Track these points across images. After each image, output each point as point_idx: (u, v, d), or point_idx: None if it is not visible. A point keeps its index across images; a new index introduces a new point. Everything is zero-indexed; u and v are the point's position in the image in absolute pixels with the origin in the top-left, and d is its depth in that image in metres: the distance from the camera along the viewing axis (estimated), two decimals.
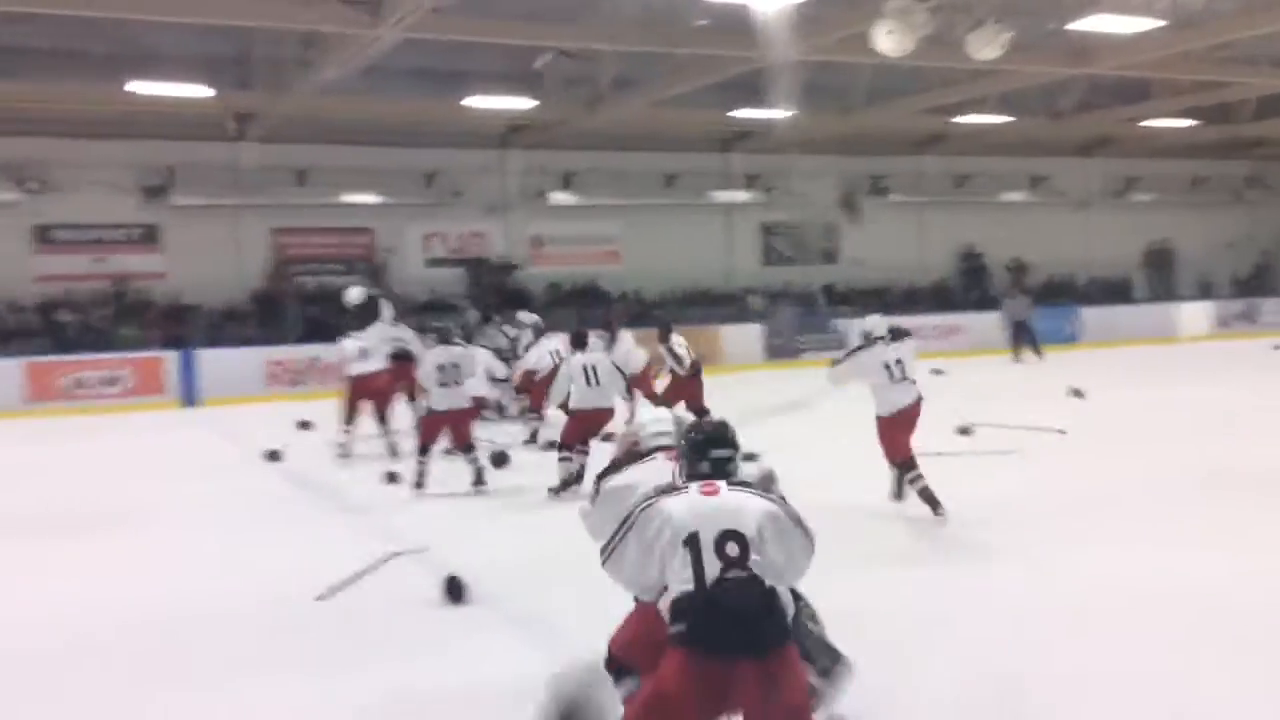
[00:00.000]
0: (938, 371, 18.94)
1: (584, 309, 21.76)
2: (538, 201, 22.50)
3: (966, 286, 26.30)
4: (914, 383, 7.79)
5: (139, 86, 16.22)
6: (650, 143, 22.79)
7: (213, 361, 17.67)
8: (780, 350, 22.16)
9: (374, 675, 4.84)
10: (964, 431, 11.05)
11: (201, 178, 19.82)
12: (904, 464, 7.68)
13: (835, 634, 4.13)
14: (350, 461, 10.79)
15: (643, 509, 3.43)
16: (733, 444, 3.61)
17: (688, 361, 12.20)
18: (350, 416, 11.40)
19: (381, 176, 20.95)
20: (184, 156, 19.71)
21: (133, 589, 6.46)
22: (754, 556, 3.27)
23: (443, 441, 9.42)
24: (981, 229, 26.66)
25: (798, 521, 3.42)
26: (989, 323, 21.86)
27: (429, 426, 9.34)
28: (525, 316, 14.96)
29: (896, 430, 7.69)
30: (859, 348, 8.01)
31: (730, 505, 3.36)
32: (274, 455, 11.32)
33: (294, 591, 6.19)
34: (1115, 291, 27.31)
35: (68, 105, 17.84)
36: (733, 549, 3.26)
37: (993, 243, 26.48)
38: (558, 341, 12.16)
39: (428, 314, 16.49)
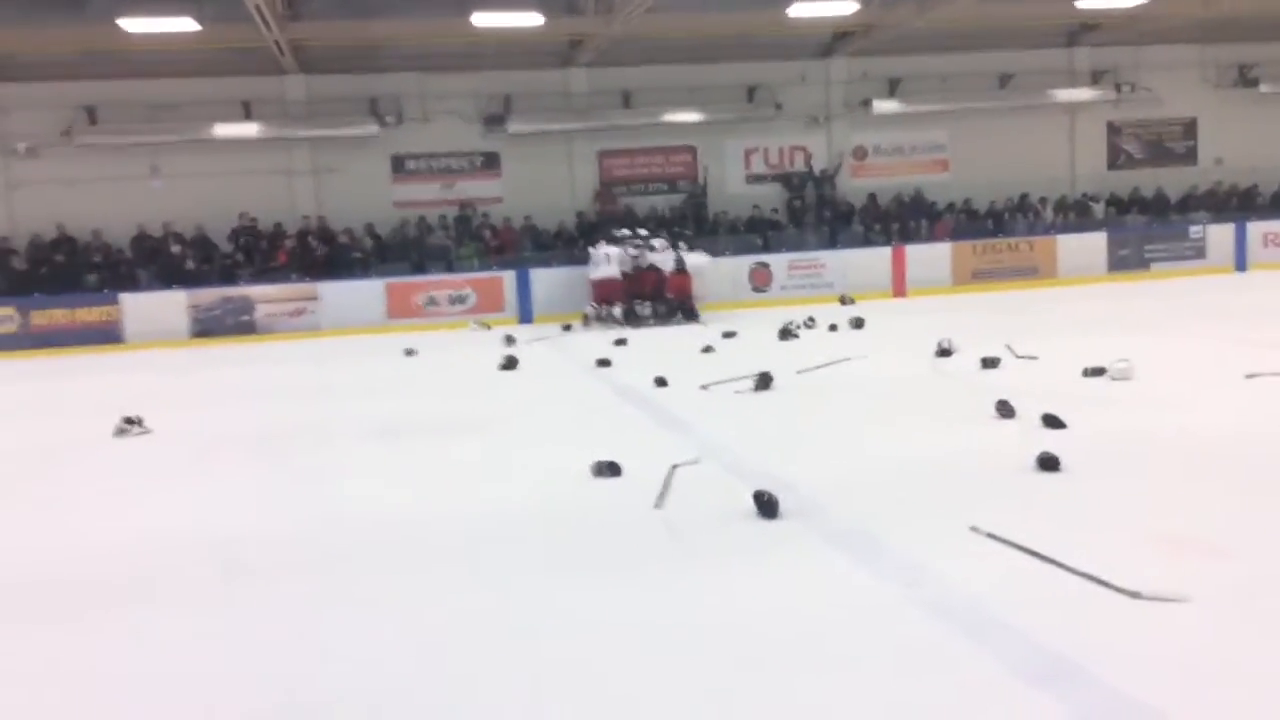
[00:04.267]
0: None
1: (906, 221, 21.08)
2: (861, 111, 21.81)
3: None
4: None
5: (481, 19, 17.13)
6: (983, 41, 21.43)
7: (544, 280, 18.63)
8: (1126, 261, 20.47)
9: (691, 583, 4.93)
10: None
11: (535, 105, 20.76)
12: None
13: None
14: (669, 374, 10.99)
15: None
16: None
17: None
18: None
19: (703, 93, 21.02)
20: (519, 85, 20.69)
21: (471, 491, 6.93)
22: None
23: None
24: None
25: None
26: None
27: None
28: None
29: None
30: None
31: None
32: (603, 363, 12.29)
33: (617, 497, 6.43)
34: None
35: (419, 41, 19.13)
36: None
37: None
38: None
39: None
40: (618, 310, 17.27)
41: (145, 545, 5.98)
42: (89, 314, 17.62)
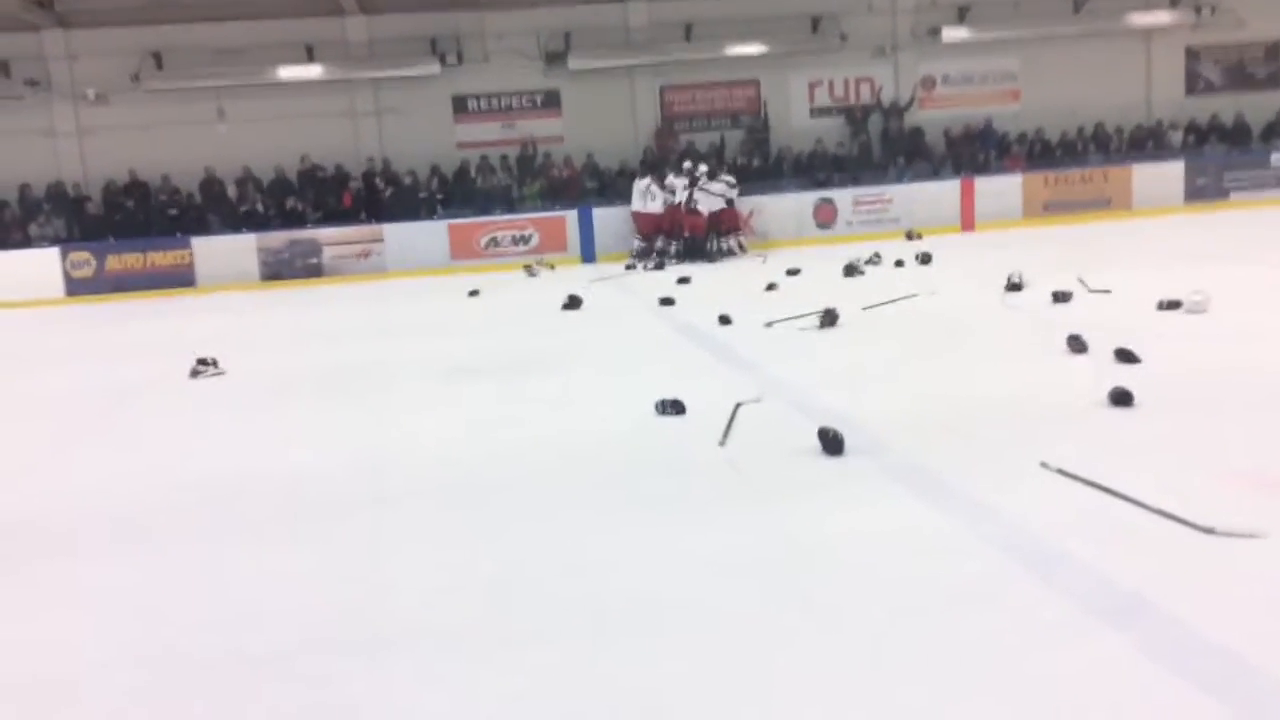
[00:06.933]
0: None
1: (975, 153, 20.62)
2: (929, 40, 21.26)
3: None
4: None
5: None
6: None
7: (607, 220, 18.57)
8: (1204, 191, 19.84)
9: (754, 520, 4.93)
10: None
11: (595, 41, 20.53)
12: None
13: None
14: (732, 313, 10.93)
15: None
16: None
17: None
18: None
19: (765, 25, 20.63)
20: (579, 21, 20.46)
21: (536, 429, 6.97)
22: None
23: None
24: None
25: None
26: None
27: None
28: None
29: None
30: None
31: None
32: (667, 301, 12.32)
33: (681, 435, 6.45)
34: None
35: None
36: None
37: None
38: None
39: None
40: (635, 243, 17.82)
41: (221, 482, 6.13)
42: (162, 258, 17.95)
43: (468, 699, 3.42)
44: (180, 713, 3.48)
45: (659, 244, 17.47)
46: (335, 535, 5.08)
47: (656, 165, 19.15)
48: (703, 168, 17.90)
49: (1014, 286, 11.07)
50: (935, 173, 20.16)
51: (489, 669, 3.61)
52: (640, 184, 17.97)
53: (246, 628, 4.08)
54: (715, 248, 17.49)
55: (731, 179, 18.05)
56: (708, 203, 17.45)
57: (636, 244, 17.82)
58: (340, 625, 4.05)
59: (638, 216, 17.92)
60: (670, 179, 17.79)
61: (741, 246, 17.79)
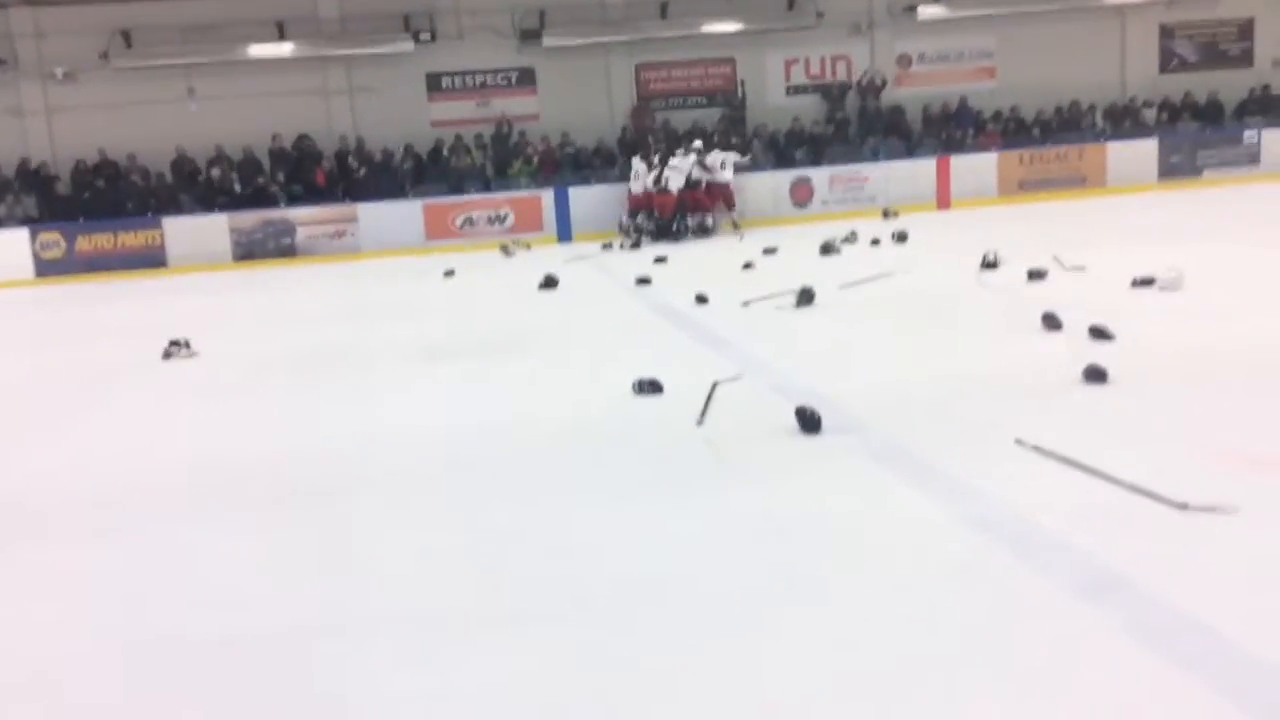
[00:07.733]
0: None
1: (951, 131, 20.64)
2: (905, 17, 21.24)
3: None
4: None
5: None
6: None
7: (583, 199, 18.50)
8: (1177, 169, 19.95)
9: (732, 499, 4.94)
10: None
11: (571, 18, 20.39)
12: None
13: None
14: (709, 292, 10.93)
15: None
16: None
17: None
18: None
19: (742, 2, 20.56)
20: None
21: (514, 410, 6.95)
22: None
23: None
24: None
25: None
26: None
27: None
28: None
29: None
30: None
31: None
32: (643, 281, 12.26)
33: (658, 414, 6.44)
34: None
35: None
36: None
37: None
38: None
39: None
40: (623, 221, 17.84)
41: (195, 465, 6.08)
42: (132, 238, 17.76)
43: (451, 681, 3.41)
44: (162, 696, 3.46)
45: (638, 221, 17.46)
46: (316, 518, 5.05)
47: (640, 144, 19.10)
48: (697, 144, 17.97)
49: (989, 264, 11.11)
50: (910, 151, 20.18)
51: (473, 651, 3.60)
52: (635, 164, 18.04)
53: (227, 611, 4.05)
54: (680, 227, 17.39)
55: (701, 157, 17.82)
56: (675, 180, 17.41)
57: (622, 221, 17.80)
58: (322, 608, 4.03)
59: (631, 196, 17.97)
60: (654, 158, 17.79)
61: (735, 224, 17.70)
